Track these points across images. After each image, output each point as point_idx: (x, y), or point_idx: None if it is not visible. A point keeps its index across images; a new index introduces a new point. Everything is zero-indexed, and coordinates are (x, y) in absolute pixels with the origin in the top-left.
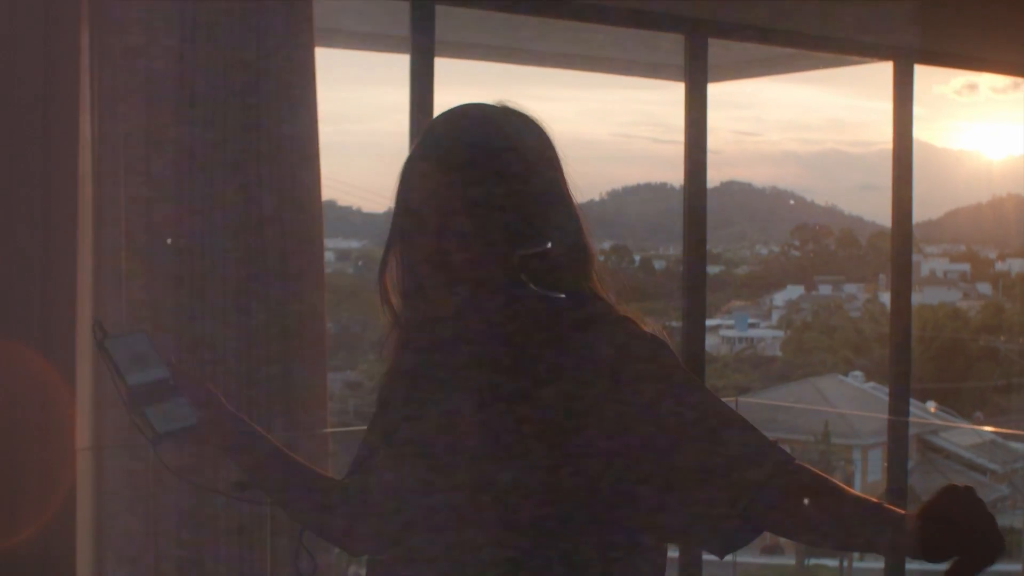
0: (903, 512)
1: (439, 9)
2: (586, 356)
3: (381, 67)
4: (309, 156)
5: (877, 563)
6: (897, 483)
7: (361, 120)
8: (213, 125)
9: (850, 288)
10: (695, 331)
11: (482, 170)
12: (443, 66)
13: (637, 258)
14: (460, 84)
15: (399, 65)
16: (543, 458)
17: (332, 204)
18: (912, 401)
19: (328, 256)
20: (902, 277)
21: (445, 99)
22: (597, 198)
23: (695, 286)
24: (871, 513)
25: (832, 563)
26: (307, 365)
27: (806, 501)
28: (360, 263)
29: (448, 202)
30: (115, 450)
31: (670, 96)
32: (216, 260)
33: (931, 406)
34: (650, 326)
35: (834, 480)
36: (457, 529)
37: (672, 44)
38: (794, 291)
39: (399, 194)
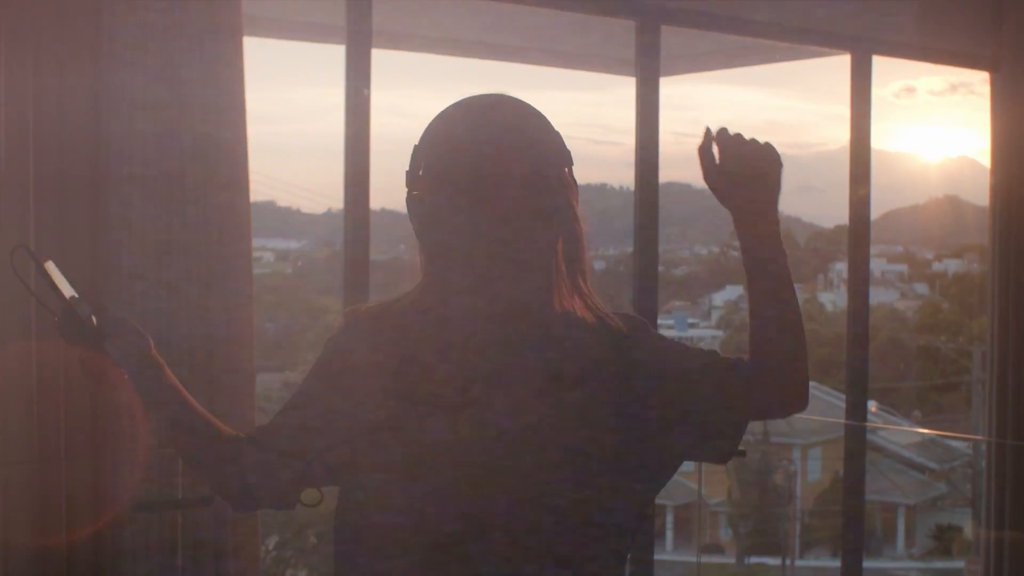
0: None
1: None
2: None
3: (322, 65)
4: (237, 158)
5: (820, 561)
6: (855, 484)
7: (302, 120)
8: (132, 129)
9: None
10: None
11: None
12: (381, 58)
13: None
14: (399, 79)
15: (339, 61)
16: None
17: (271, 204)
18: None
19: (268, 257)
20: (859, 277)
21: (384, 98)
22: None
23: (647, 285)
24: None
25: (773, 561)
26: (233, 371)
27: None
28: (300, 263)
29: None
30: (21, 465)
31: (611, 97)
32: (136, 264)
33: (872, 405)
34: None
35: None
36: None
37: (622, 33)
38: (733, 291)
39: (453, 177)
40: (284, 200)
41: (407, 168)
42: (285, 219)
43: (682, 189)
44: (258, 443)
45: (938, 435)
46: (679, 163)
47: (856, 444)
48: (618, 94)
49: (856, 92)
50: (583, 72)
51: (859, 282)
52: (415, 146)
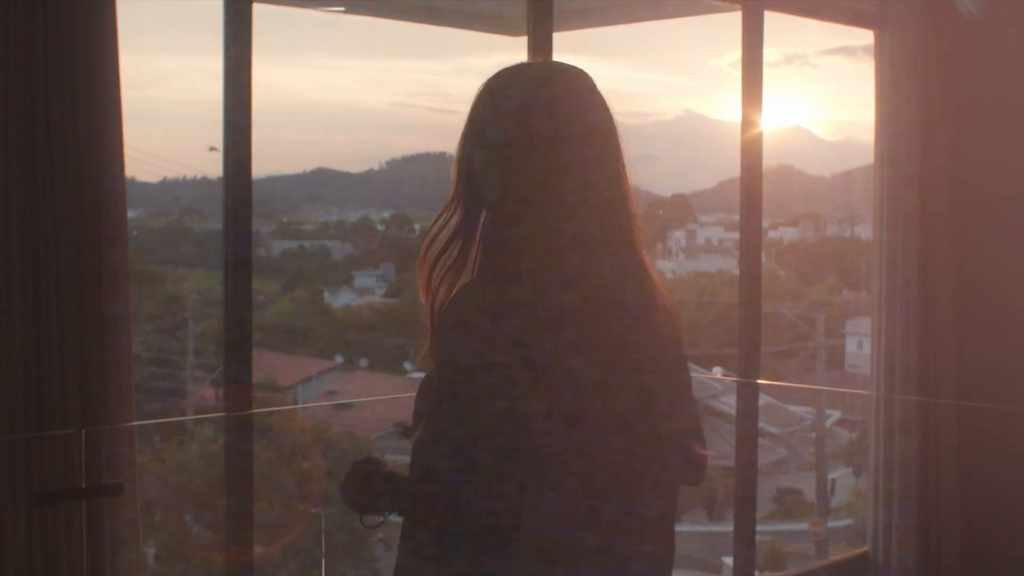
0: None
1: None
2: None
3: (155, 27)
4: (110, 126)
5: (683, 527)
6: (749, 457)
7: (138, 85)
8: None
9: None
10: None
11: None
12: (260, 12)
13: (417, 227)
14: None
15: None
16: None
17: None
18: (699, 368)
19: None
20: (751, 242)
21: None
22: (376, 167)
23: None
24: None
25: None
26: (108, 339)
27: None
28: (135, 233)
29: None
30: None
31: (449, 66)
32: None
33: (717, 372)
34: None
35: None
36: None
37: None
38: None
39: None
40: None
41: None
42: None
43: None
44: None
45: (829, 390)
46: None
47: (749, 405)
48: (455, 64)
49: (747, 48)
50: (452, 29)
51: (751, 246)
52: None
